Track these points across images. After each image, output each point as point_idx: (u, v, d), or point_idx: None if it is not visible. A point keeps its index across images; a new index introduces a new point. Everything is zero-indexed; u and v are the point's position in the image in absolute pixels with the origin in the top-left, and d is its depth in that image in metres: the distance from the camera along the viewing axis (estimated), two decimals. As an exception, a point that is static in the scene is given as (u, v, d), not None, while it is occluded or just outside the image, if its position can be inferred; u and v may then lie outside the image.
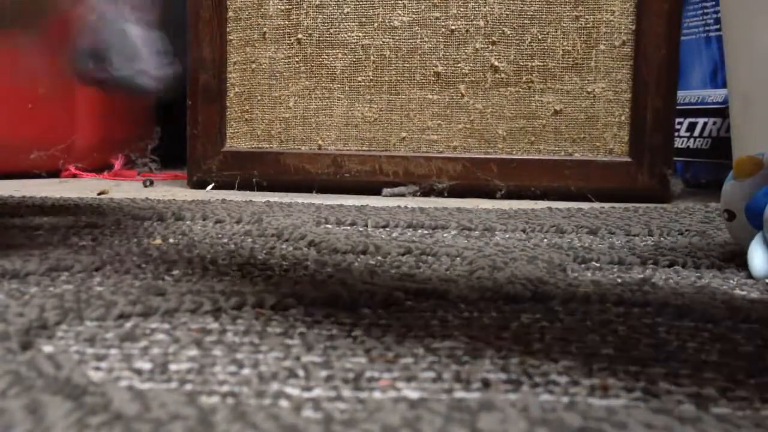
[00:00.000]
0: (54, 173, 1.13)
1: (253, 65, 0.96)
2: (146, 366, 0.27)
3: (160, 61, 0.40)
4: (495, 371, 0.27)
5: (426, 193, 0.93)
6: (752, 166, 0.47)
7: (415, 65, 0.94)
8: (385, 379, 0.26)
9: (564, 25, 0.92)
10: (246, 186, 0.96)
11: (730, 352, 0.30)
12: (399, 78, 0.94)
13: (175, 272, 0.42)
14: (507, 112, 0.94)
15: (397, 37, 0.94)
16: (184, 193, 0.91)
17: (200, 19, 0.96)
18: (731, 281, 0.43)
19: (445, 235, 0.59)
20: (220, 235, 0.56)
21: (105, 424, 0.21)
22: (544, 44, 0.93)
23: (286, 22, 0.96)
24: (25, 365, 0.25)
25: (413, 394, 0.25)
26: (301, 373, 0.26)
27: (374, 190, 0.93)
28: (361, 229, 0.61)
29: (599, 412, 0.23)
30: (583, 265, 0.47)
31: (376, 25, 0.94)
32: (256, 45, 0.96)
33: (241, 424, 0.21)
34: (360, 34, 0.94)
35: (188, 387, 0.25)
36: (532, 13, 0.92)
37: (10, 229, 0.57)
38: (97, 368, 0.26)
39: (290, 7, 0.95)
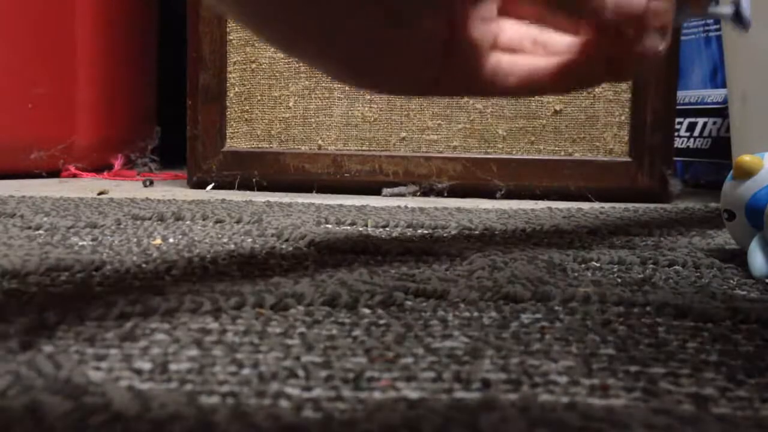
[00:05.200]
0: (54, 173, 1.13)
1: (253, 65, 0.96)
2: (146, 366, 0.27)
3: None
4: (495, 371, 0.27)
5: (426, 193, 0.93)
6: (752, 166, 0.47)
7: (415, 65, 0.94)
8: (385, 379, 0.26)
9: (564, 25, 0.92)
10: (246, 186, 0.96)
11: (730, 352, 0.30)
12: (399, 78, 0.94)
13: (175, 272, 0.42)
14: (507, 111, 0.94)
15: (397, 37, 0.94)
16: (184, 193, 0.91)
17: (200, 19, 0.96)
18: (731, 281, 0.43)
19: (445, 235, 0.59)
20: (220, 235, 0.56)
21: (105, 424, 0.21)
22: (544, 44, 0.92)
23: (286, 22, 0.95)
24: (25, 365, 0.25)
25: (413, 394, 0.25)
26: (301, 373, 0.26)
27: (374, 190, 0.93)
28: (361, 229, 0.61)
29: (599, 412, 0.23)
30: (583, 265, 0.47)
31: (376, 25, 0.94)
32: (256, 45, 0.96)
33: (241, 424, 0.21)
34: (360, 34, 0.94)
35: (188, 387, 0.25)
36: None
37: (10, 229, 0.57)
38: (97, 368, 0.26)
39: (290, 7, 0.95)
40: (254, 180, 0.96)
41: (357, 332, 0.31)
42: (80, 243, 0.51)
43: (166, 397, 0.23)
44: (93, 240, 0.53)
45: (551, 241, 0.56)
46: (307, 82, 0.96)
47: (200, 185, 0.97)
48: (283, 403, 0.24)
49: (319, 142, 0.96)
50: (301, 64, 0.95)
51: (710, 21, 1.14)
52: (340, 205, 0.75)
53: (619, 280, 0.43)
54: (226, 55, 0.96)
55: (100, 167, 1.17)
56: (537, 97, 0.93)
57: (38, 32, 1.09)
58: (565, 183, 0.92)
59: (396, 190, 0.93)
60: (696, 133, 1.16)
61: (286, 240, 0.54)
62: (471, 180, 0.93)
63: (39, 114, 1.10)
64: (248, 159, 0.96)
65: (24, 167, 1.09)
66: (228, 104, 0.97)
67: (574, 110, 0.93)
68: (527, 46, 0.33)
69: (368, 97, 0.95)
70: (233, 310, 0.34)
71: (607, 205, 0.83)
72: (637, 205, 0.84)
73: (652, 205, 0.84)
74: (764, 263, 0.44)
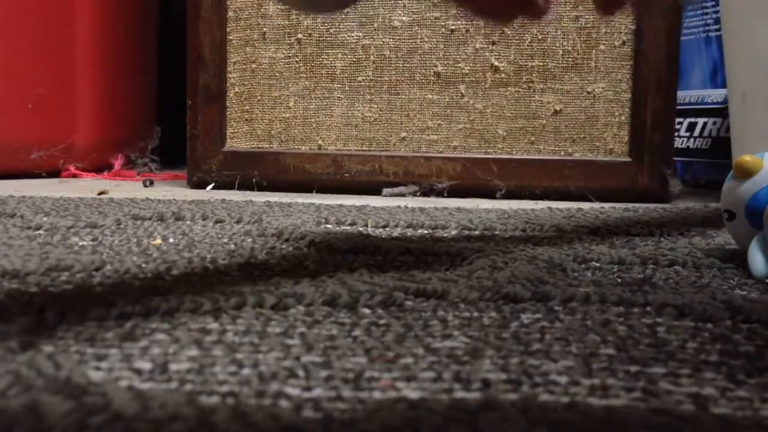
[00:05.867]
0: (54, 173, 1.13)
1: (253, 65, 0.96)
2: (146, 366, 0.27)
3: None
4: (495, 371, 0.27)
5: (426, 193, 0.93)
6: (752, 166, 0.47)
7: (415, 65, 0.94)
8: (385, 379, 0.26)
9: (564, 25, 0.92)
10: (246, 186, 0.96)
11: (730, 352, 0.30)
12: (399, 78, 0.94)
13: (175, 272, 0.42)
14: (507, 112, 0.94)
15: (397, 37, 0.94)
16: (184, 193, 0.91)
17: (200, 19, 0.96)
18: (731, 281, 0.43)
19: (445, 235, 0.59)
20: (220, 235, 0.56)
21: (105, 424, 0.21)
22: (544, 44, 0.93)
23: (286, 22, 0.96)
24: (25, 365, 0.25)
25: (413, 394, 0.25)
26: (301, 373, 0.26)
27: (374, 190, 0.93)
28: (361, 229, 0.61)
29: (599, 412, 0.23)
30: (583, 265, 0.47)
31: (376, 25, 0.94)
32: (256, 45, 0.96)
33: (241, 424, 0.21)
34: (360, 34, 0.94)
35: (188, 387, 0.25)
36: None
37: (10, 229, 0.57)
38: (97, 368, 0.26)
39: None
40: (254, 180, 0.96)
41: (357, 332, 0.31)
42: (80, 243, 0.51)
43: (166, 397, 0.23)
44: (93, 240, 0.53)
45: (551, 241, 0.56)
46: (307, 82, 0.96)
47: (200, 185, 0.98)
48: (283, 403, 0.24)
49: (319, 142, 0.96)
50: (301, 64, 0.95)
51: (710, 21, 1.14)
52: (340, 205, 0.75)
53: (619, 280, 0.43)
54: (226, 55, 0.96)
55: (100, 167, 1.17)
56: (537, 97, 0.93)
57: (38, 32, 1.09)
58: (565, 183, 0.92)
59: (396, 190, 0.93)
60: (696, 133, 1.16)
61: (286, 240, 0.54)
62: (471, 180, 0.93)
63: (39, 114, 1.10)
64: (248, 159, 0.96)
65: (24, 167, 1.09)
66: (228, 104, 0.97)
67: (574, 110, 0.93)
68: None
69: (368, 97, 0.95)
70: (233, 310, 0.34)
71: (607, 205, 0.83)
72: (637, 205, 0.84)
73: (652, 205, 0.84)
74: (764, 263, 0.44)
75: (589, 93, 0.92)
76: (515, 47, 0.93)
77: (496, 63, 0.93)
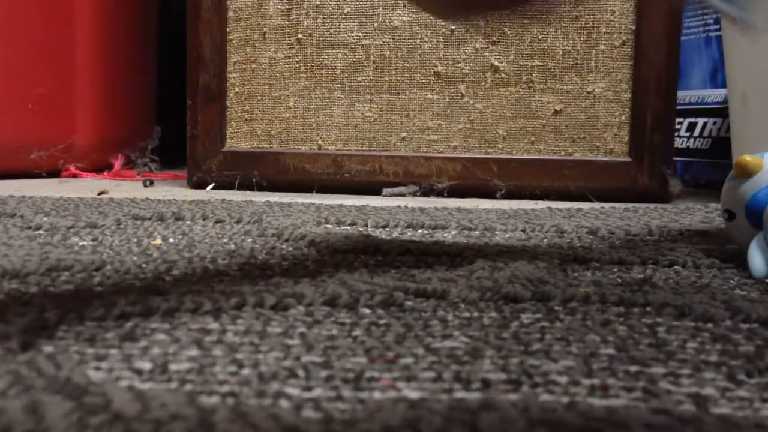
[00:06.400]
0: (54, 173, 1.13)
1: (253, 65, 0.96)
2: (146, 366, 0.27)
3: None
4: (495, 371, 0.27)
5: (426, 193, 0.93)
6: (752, 166, 0.47)
7: (415, 65, 0.94)
8: (385, 379, 0.26)
9: (564, 25, 0.92)
10: (246, 186, 0.96)
11: (730, 352, 0.30)
12: (399, 78, 0.94)
13: (175, 272, 0.42)
14: (507, 112, 0.94)
15: (397, 37, 0.94)
16: (184, 193, 0.91)
17: (200, 19, 0.96)
18: (731, 281, 0.43)
19: (445, 235, 0.59)
20: (220, 235, 0.56)
21: (105, 424, 0.21)
22: (544, 44, 0.93)
23: (286, 22, 0.96)
24: (25, 365, 0.25)
25: (413, 394, 0.25)
26: (301, 373, 0.26)
27: (374, 190, 0.93)
28: (361, 229, 0.61)
29: (599, 412, 0.23)
30: (583, 265, 0.47)
31: (376, 25, 0.94)
32: (256, 45, 0.96)
33: (241, 424, 0.21)
34: (360, 34, 0.94)
35: (188, 387, 0.25)
36: (532, 13, 0.92)
37: (10, 229, 0.57)
38: (97, 368, 0.26)
39: (290, 7, 0.95)
40: (254, 180, 0.96)
41: (357, 332, 0.31)
42: (80, 243, 0.51)
43: (166, 397, 0.23)
44: (93, 240, 0.53)
45: (551, 241, 0.56)
46: (307, 82, 0.96)
47: (200, 185, 0.97)
48: (283, 403, 0.24)
49: (319, 142, 0.96)
50: (301, 64, 0.95)
51: (710, 21, 1.14)
52: (340, 205, 0.75)
53: (619, 280, 0.43)
54: (226, 55, 0.96)
55: (100, 167, 1.17)
56: (537, 97, 0.93)
57: (38, 32, 1.09)
58: (565, 183, 0.92)
59: (396, 190, 0.93)
60: (696, 133, 1.16)
61: (286, 240, 0.54)
62: (471, 180, 0.93)
63: (39, 114, 1.10)
64: (248, 159, 0.96)
65: (24, 167, 1.09)
66: (228, 104, 0.97)
67: (574, 110, 0.93)
68: None
69: (368, 97, 0.95)
70: (233, 310, 0.34)
71: (607, 205, 0.83)
72: (637, 205, 0.84)
73: (652, 205, 0.84)
74: (764, 263, 0.44)
75: (589, 93, 0.92)
76: (515, 47, 0.93)
77: (496, 63, 0.93)
